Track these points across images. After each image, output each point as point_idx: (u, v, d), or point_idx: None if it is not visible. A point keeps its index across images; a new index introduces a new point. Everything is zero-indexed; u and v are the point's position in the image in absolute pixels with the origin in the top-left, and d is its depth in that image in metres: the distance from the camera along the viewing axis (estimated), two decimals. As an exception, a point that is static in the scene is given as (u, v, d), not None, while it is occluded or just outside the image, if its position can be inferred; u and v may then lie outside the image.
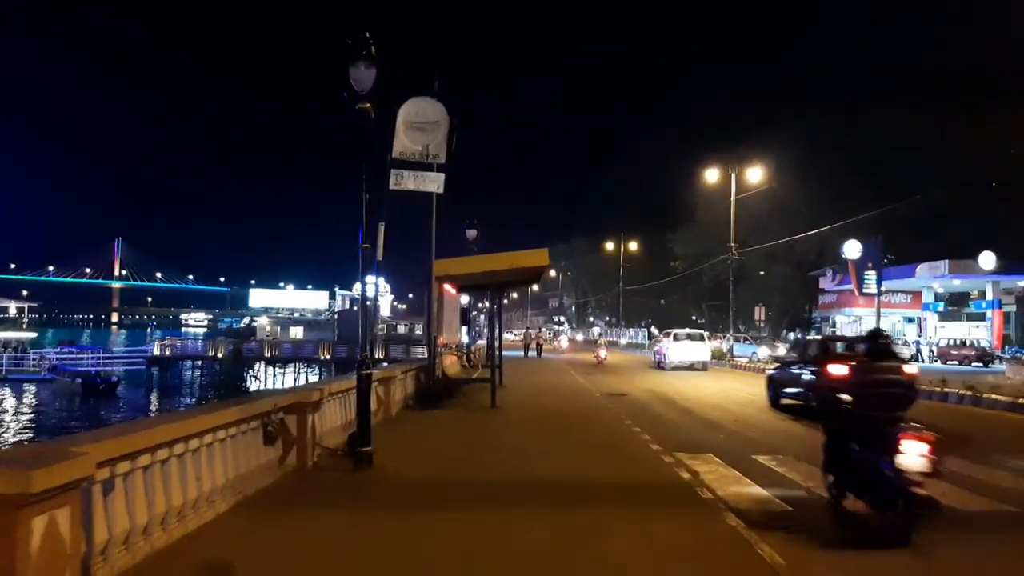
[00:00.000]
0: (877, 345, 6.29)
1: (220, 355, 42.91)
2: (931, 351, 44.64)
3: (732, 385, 22.68)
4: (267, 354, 38.36)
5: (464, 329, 20.41)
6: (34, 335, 53.38)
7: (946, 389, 17.52)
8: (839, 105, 54.83)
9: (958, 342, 43.46)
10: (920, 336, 49.45)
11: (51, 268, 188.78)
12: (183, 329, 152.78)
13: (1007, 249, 41.02)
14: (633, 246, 71.16)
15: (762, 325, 64.31)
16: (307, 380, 35.50)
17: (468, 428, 11.36)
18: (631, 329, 77.46)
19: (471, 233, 20.48)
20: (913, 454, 5.39)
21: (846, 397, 6.14)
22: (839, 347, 15.08)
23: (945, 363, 41.05)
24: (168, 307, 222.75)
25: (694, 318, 79.98)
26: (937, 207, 49.25)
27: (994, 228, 45.74)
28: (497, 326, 18.09)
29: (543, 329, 36.64)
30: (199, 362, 44.33)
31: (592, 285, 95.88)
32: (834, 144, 51.94)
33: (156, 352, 43.85)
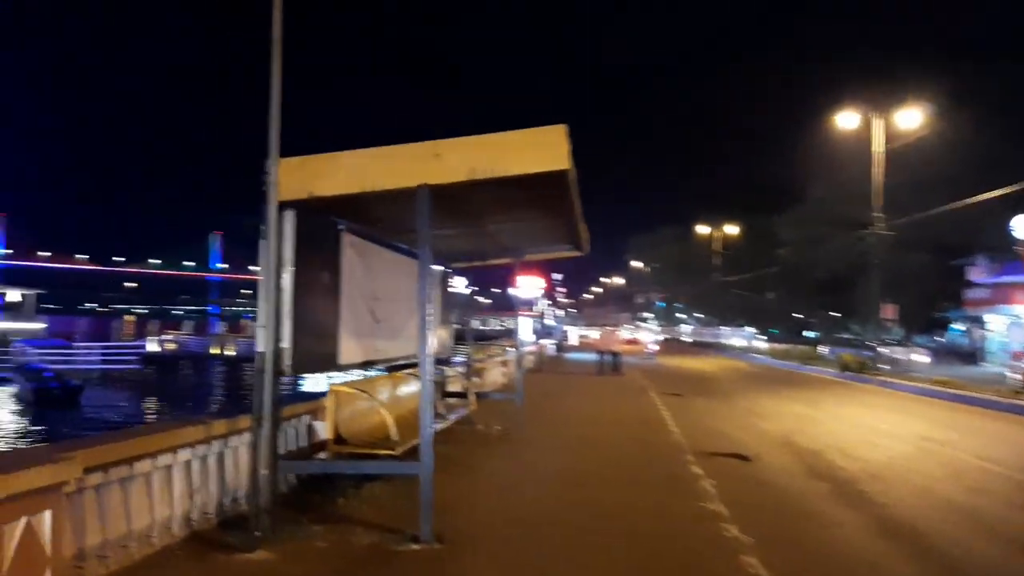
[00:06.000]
0: None
1: (233, 353, 36.14)
2: None
3: (924, 428, 13.33)
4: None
5: (444, 327, 11.73)
6: (43, 325, 48.25)
7: None
8: (991, 52, 43.36)
9: None
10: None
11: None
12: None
13: None
14: (728, 230, 60.81)
15: (892, 326, 53.32)
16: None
17: None
18: (727, 328, 67.11)
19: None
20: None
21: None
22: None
23: None
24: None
25: (802, 316, 69.19)
26: None
27: None
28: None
29: (618, 328, 27.55)
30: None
31: (682, 278, 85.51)
32: (985, 102, 40.45)
33: (155, 349, 37.38)
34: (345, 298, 6.77)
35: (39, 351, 33.62)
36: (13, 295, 47.30)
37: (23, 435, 22.20)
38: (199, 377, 36.17)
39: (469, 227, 8.11)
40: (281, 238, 5.62)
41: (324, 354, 6.37)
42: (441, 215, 6.87)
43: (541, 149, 5.35)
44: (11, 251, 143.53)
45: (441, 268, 10.71)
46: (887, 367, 28.25)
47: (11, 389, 29.56)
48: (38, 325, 47.00)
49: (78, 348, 35.74)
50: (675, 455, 9.51)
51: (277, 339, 5.53)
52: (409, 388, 8.57)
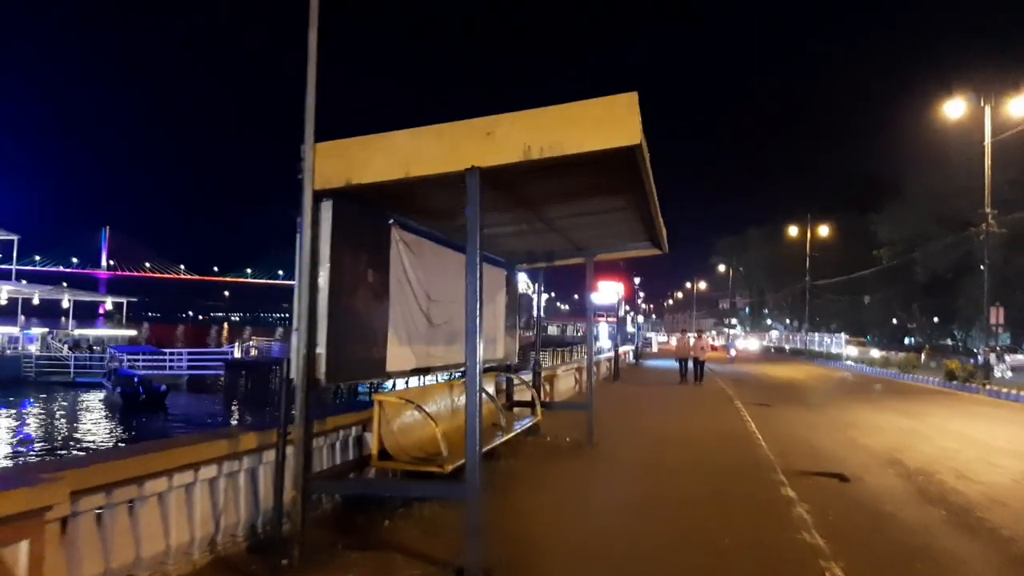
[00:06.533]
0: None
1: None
2: None
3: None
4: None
5: (515, 331, 10.97)
6: (132, 332, 50.33)
7: None
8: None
9: None
10: None
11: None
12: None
13: None
14: (821, 231, 58.01)
15: (1000, 331, 49.66)
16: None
17: None
18: (818, 334, 64.09)
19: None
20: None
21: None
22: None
23: None
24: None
25: (895, 321, 65.52)
26: None
27: None
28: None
29: (704, 334, 25.35)
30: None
31: (770, 282, 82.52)
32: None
33: (237, 355, 38.17)
34: (395, 299, 6.21)
35: (130, 357, 34.82)
36: (108, 304, 49.50)
37: (96, 438, 22.66)
38: (279, 381, 36.68)
39: (531, 220, 7.44)
40: (318, 231, 5.09)
41: (369, 360, 5.82)
42: (497, 204, 6.26)
43: (608, 122, 4.64)
44: (113, 262, 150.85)
45: (505, 269, 10.07)
46: (1009, 375, 25.97)
47: (102, 394, 30.62)
48: (127, 332, 49.01)
49: (167, 353, 36.82)
50: (764, 475, 8.56)
51: (312, 344, 5.00)
52: (460, 400, 7.95)
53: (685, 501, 7.17)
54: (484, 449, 6.97)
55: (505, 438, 7.78)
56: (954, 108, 25.73)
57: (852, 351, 43.30)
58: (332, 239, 5.14)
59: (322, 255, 5.10)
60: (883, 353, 41.01)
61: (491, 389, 9.39)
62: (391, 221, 6.16)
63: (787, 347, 65.91)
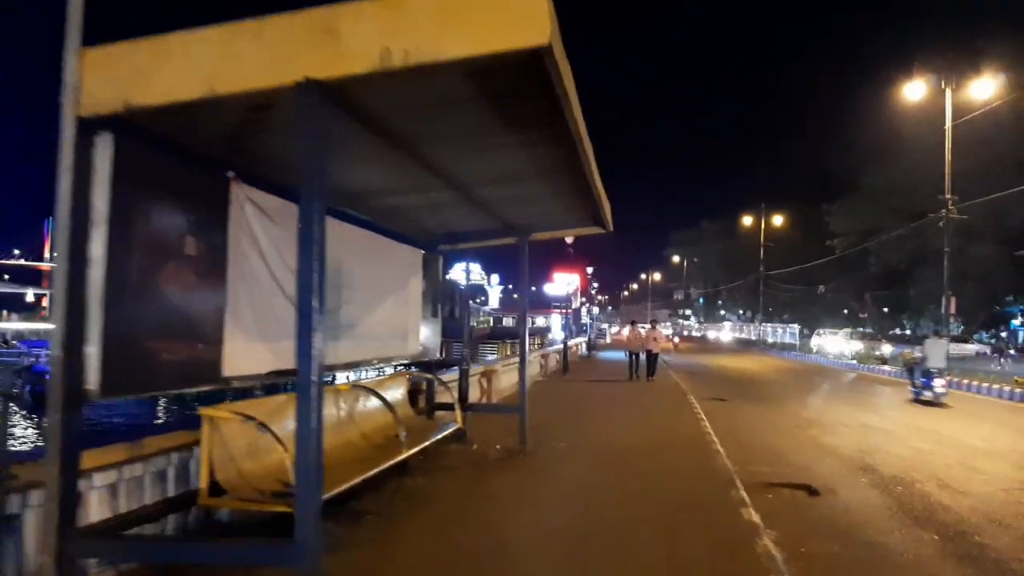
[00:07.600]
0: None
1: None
2: None
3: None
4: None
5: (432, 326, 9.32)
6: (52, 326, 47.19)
7: None
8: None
9: None
10: None
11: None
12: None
13: None
14: (776, 222, 57.78)
15: (954, 321, 49.65)
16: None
17: None
18: (770, 326, 63.75)
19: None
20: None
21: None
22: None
23: None
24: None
25: (845, 312, 65.65)
26: None
27: None
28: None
29: (657, 325, 23.65)
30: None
31: (724, 274, 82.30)
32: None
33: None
34: (238, 279, 4.65)
35: (45, 352, 32.31)
36: (30, 296, 46.75)
37: None
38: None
39: (432, 184, 5.92)
40: (87, 177, 3.52)
41: (190, 362, 4.26)
42: (369, 152, 4.75)
43: (503, 12, 3.15)
44: (56, 254, 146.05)
45: (422, 250, 8.55)
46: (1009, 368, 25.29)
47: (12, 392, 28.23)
48: (48, 325, 46.37)
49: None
50: (722, 489, 7.20)
51: (75, 340, 3.44)
52: (352, 407, 6.42)
53: (625, 537, 5.73)
54: (372, 473, 5.49)
55: (408, 454, 6.27)
56: (914, 90, 24.82)
57: (856, 346, 41.53)
58: (114, 190, 3.58)
59: (95, 212, 3.53)
60: (897, 349, 39.27)
61: (401, 391, 7.89)
62: (231, 174, 4.60)
63: (744, 337, 65.70)
